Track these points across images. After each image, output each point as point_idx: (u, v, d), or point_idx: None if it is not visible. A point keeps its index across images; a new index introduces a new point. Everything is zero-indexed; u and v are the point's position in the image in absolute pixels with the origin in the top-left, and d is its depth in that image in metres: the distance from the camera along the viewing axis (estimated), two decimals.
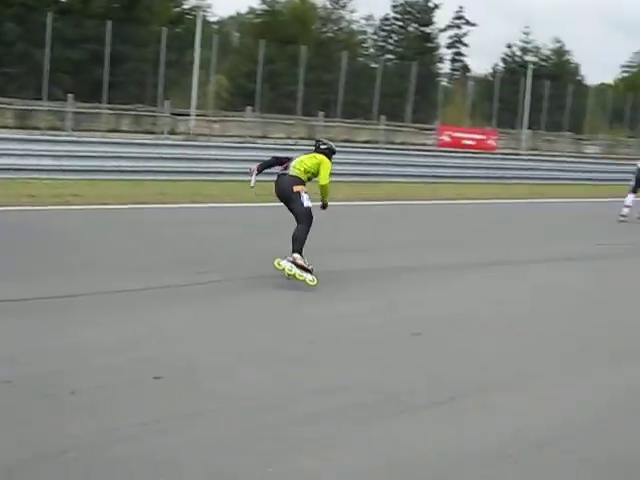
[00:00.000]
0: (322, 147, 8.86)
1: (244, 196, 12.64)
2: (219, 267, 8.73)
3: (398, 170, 23.01)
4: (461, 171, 24.64)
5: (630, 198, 17.01)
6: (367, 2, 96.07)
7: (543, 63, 59.39)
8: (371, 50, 55.73)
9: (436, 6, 55.45)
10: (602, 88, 61.38)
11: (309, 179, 8.65)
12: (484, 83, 55.83)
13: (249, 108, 32.16)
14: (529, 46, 61.07)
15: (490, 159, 27.72)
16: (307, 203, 8.43)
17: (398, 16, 55.94)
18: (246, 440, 4.25)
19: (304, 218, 8.39)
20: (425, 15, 55.61)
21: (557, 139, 44.81)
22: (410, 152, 28.40)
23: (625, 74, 73.93)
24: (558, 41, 63.87)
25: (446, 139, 33.54)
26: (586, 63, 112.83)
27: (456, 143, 33.04)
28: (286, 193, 8.51)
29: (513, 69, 56.16)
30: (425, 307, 7.76)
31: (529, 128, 40.99)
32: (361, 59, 51.54)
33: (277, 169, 8.74)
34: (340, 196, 13.63)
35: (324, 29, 52.00)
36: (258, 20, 48.36)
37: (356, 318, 7.08)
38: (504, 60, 61.41)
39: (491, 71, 59.37)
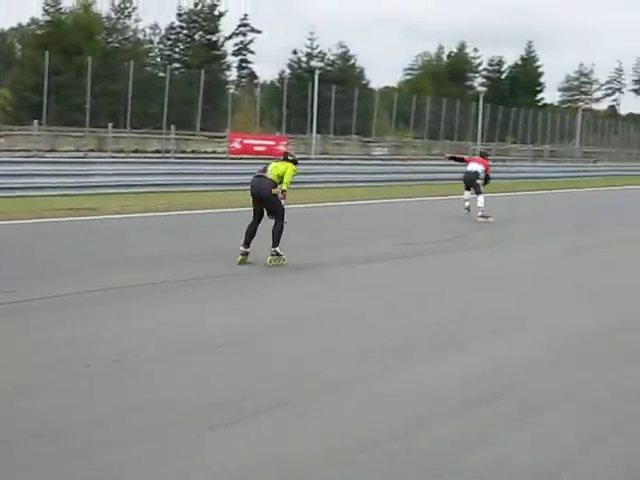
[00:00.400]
0: (289, 158, 11.14)
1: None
2: None
3: (189, 179, 22.97)
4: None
5: (467, 194, 18.42)
6: (152, 11, 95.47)
7: (329, 68, 61.42)
8: (158, 59, 55.49)
9: (221, 14, 56.01)
10: (387, 91, 64.02)
11: (280, 182, 10.66)
12: (272, 89, 56.94)
13: (36, 121, 31.10)
14: (314, 52, 63.04)
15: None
16: (282, 203, 10.67)
17: (184, 24, 56.01)
18: None
19: (281, 216, 10.64)
20: (211, 23, 55.95)
21: (346, 142, 46.16)
22: (200, 161, 28.68)
23: (408, 77, 78.12)
24: (343, 46, 66.29)
25: (237, 146, 33.81)
26: (371, 67, 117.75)
27: (247, 150, 33.40)
28: (264, 194, 10.65)
29: (300, 75, 57.61)
30: (227, 317, 7.67)
31: (318, 132, 41.64)
32: (148, 68, 51.11)
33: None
34: (136, 207, 13.58)
35: (110, 39, 51.19)
36: (41, 31, 46.90)
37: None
38: (290, 66, 62.94)
39: (278, 77, 60.86)
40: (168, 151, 34.26)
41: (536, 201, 26.68)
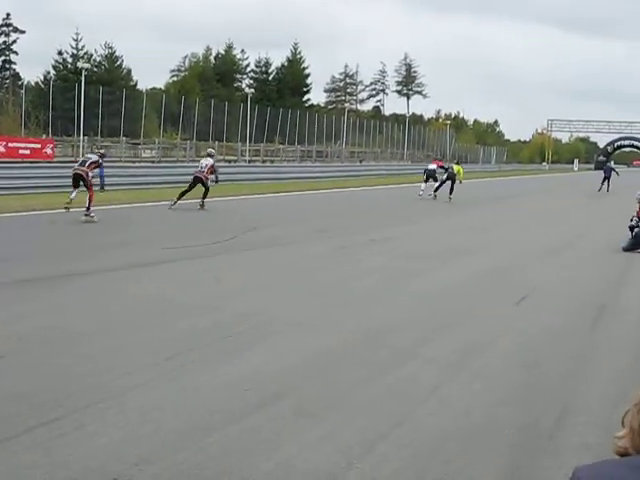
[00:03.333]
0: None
1: None
2: None
3: None
4: (21, 182, 24.14)
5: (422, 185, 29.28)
6: None
7: (96, 69, 61.12)
8: None
9: None
10: (155, 92, 64.27)
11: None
12: (37, 91, 55.33)
13: None
14: (80, 52, 62.41)
15: (48, 167, 27.77)
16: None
17: None
18: None
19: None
20: None
21: (114, 144, 45.43)
22: None
23: (175, 78, 78.92)
24: (109, 47, 65.99)
25: (1, 149, 32.99)
26: (138, 68, 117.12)
27: (12, 153, 32.60)
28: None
29: (66, 76, 56.74)
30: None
31: (86, 135, 41.16)
32: None
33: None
34: None
35: None
36: None
37: None
38: (55, 67, 61.83)
39: (42, 79, 59.61)
40: None
41: (310, 201, 27.66)
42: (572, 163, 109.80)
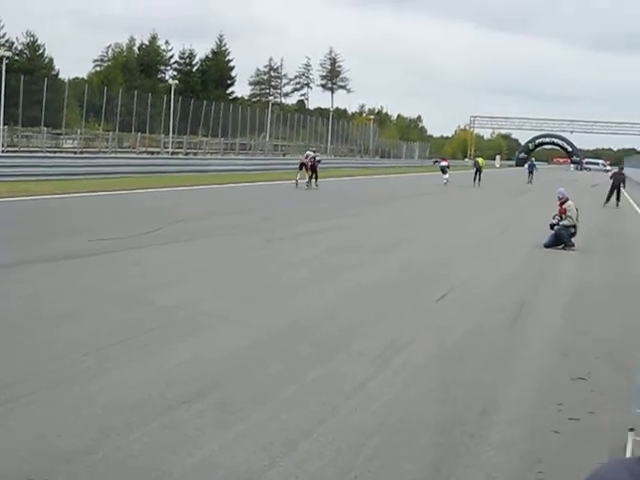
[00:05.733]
0: None
1: None
2: None
3: None
4: None
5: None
6: None
7: (17, 58, 60.06)
8: None
9: None
10: (77, 82, 62.55)
11: None
12: None
13: None
14: (2, 40, 61.31)
15: None
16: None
17: None
18: None
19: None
20: None
21: (35, 134, 44.70)
22: None
23: (98, 68, 77.98)
24: (31, 35, 65.02)
25: None
26: (60, 58, 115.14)
27: None
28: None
29: None
30: None
31: (6, 124, 39.99)
32: None
33: None
34: None
35: None
36: None
37: None
38: None
39: None
40: None
41: (234, 193, 27.79)
42: (494, 159, 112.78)
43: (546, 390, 6.41)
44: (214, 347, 6.93)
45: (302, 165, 34.01)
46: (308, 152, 34.87)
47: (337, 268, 11.91)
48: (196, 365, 6.30)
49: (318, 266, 12.07)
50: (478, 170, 45.00)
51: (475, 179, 44.61)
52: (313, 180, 33.27)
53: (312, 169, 33.43)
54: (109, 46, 78.39)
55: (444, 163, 46.47)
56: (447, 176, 44.10)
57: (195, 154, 54.32)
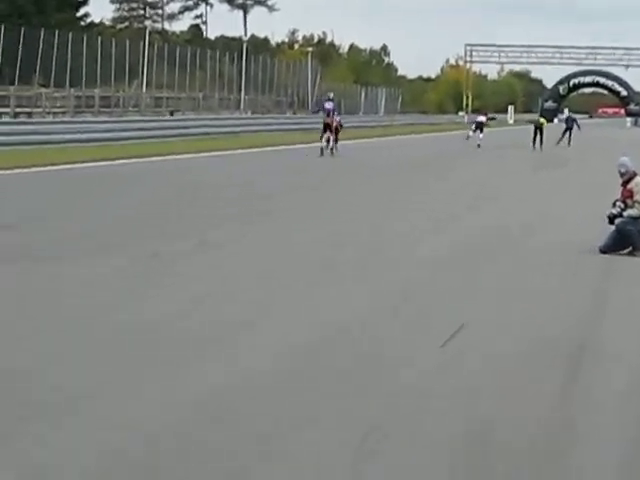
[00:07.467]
0: None
1: None
2: None
3: None
4: None
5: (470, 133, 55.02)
6: None
7: None
8: None
9: None
10: None
11: None
12: None
13: None
14: None
15: None
16: None
17: None
18: None
19: None
20: None
21: None
22: None
23: None
24: None
25: None
26: None
27: None
28: None
29: None
30: None
31: None
32: None
33: None
34: None
35: None
36: None
37: None
38: None
39: None
40: None
41: (91, 180, 28.16)
42: (506, 112, 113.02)
43: None
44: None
45: (327, 126, 40.68)
46: (326, 104, 42.98)
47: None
48: None
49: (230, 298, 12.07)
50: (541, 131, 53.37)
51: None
52: (333, 143, 40.81)
53: (336, 131, 41.26)
54: None
55: (482, 118, 56.64)
56: (481, 135, 53.46)
57: (29, 115, 53.08)
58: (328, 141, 40.22)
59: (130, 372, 8.61)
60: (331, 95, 45.32)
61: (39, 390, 7.94)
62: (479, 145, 52.21)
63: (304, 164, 37.43)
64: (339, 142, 41.82)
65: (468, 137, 54.45)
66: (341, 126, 42.75)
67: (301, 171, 33.88)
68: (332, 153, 39.83)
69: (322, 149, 39.62)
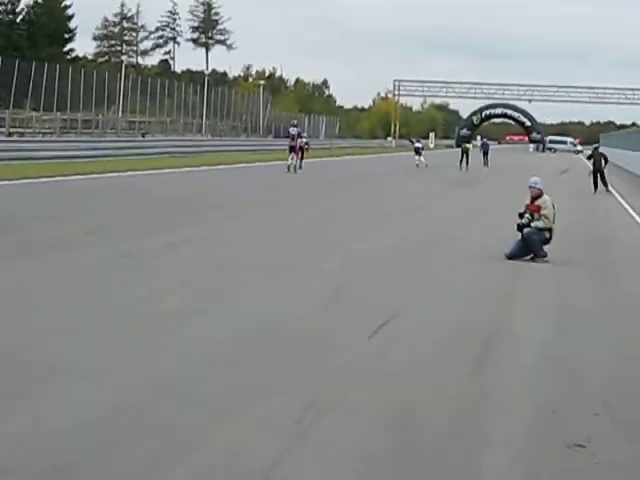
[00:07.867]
0: None
1: None
2: None
3: None
4: None
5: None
6: None
7: None
8: None
9: None
10: None
11: None
12: None
13: None
14: None
15: None
16: None
17: None
18: None
19: None
20: None
21: None
22: None
23: None
24: None
25: None
26: None
27: None
28: None
29: None
30: None
31: None
32: None
33: None
34: None
35: None
36: None
37: None
38: None
39: None
40: None
41: (75, 191, 28.00)
42: (427, 138, 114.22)
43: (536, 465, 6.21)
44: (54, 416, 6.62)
45: (292, 148, 42.14)
46: (291, 130, 43.73)
47: (223, 291, 11.86)
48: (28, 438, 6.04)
49: (198, 289, 12.01)
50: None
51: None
52: (298, 162, 42.39)
53: (301, 151, 43.33)
54: None
55: (418, 145, 58.86)
56: (422, 158, 56.48)
57: (22, 134, 53.24)
58: (293, 159, 41.66)
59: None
60: (295, 122, 46.29)
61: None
62: (426, 165, 55.76)
63: (273, 179, 38.02)
64: (304, 160, 43.78)
65: (417, 165, 55.86)
66: (307, 146, 45.39)
67: (271, 186, 34.18)
68: (295, 170, 41.21)
69: (289, 166, 41.13)
